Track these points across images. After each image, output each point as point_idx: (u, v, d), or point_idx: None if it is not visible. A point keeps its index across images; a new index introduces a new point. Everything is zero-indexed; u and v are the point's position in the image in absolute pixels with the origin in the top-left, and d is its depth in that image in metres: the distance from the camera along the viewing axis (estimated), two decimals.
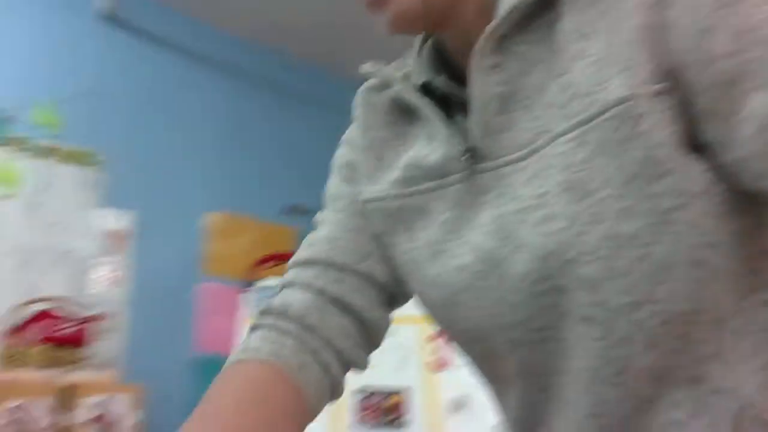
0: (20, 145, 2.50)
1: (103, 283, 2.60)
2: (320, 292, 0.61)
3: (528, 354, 0.53)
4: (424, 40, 0.64)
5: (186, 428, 0.49)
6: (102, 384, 2.22)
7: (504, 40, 0.52)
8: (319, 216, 0.69)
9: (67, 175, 2.59)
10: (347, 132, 0.71)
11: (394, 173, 0.61)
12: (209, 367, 2.50)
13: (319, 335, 0.60)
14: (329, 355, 0.60)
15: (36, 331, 2.20)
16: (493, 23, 0.51)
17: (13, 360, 2.07)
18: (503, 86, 0.53)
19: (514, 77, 0.53)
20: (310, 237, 0.66)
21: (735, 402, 0.45)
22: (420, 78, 0.61)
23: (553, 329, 0.51)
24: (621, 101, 0.46)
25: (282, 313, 0.60)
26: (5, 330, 2.14)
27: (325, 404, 0.60)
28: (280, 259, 2.39)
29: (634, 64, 0.46)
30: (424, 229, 0.59)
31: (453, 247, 0.56)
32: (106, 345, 2.53)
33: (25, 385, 2.01)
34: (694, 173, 0.45)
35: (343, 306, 0.62)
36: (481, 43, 0.52)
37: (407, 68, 0.63)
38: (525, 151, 0.52)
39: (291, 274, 0.64)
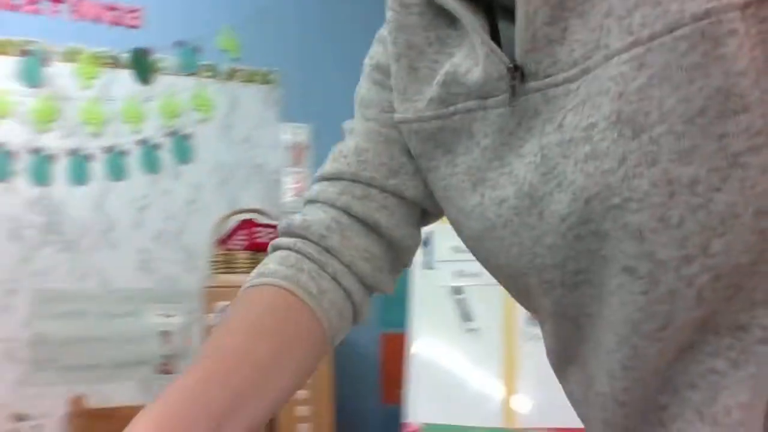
0: (209, 71, 2.76)
1: (290, 193, 2.83)
2: (344, 211, 0.57)
3: (562, 296, 0.49)
4: None
5: (195, 361, 0.48)
6: None
7: None
8: (348, 124, 0.62)
9: (250, 94, 2.80)
10: (382, 29, 0.61)
11: (432, 89, 0.53)
12: None
13: (340, 259, 0.56)
14: (350, 280, 0.56)
15: (240, 239, 2.49)
16: None
17: (223, 266, 2.39)
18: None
19: None
20: (338, 147, 0.59)
21: None
22: None
23: (592, 274, 0.46)
24: (700, 17, 0.38)
25: (302, 233, 0.56)
26: (215, 239, 2.47)
27: (346, 331, 0.57)
28: None
29: None
30: (467, 153, 0.53)
31: (495, 176, 0.51)
32: None
33: (234, 288, 2.32)
34: None
35: (368, 225, 0.57)
36: None
37: None
38: (577, 69, 0.44)
39: (315, 189, 0.58)
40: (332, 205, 0.57)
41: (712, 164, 0.39)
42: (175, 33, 2.70)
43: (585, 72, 0.44)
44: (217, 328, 0.51)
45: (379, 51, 0.61)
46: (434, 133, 0.54)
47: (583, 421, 0.54)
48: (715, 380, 0.43)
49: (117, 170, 2.60)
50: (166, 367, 2.56)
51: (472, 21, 0.49)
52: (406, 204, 0.59)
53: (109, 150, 2.59)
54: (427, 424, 1.83)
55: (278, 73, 2.82)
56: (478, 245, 0.54)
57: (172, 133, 2.68)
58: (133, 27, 2.68)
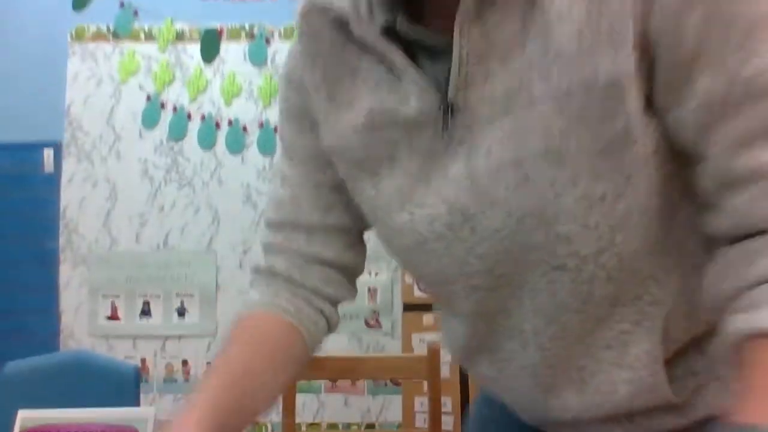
0: None
1: None
2: (295, 253, 0.66)
3: (485, 297, 0.60)
4: None
5: (210, 373, 0.61)
6: None
7: None
8: (280, 167, 0.69)
9: None
10: (289, 67, 0.67)
11: (356, 118, 0.60)
12: None
13: (306, 287, 0.66)
14: (319, 300, 0.67)
15: None
16: None
17: None
18: (485, 37, 0.52)
19: (494, 28, 0.52)
20: (276, 195, 0.68)
21: (665, 308, 0.57)
22: (380, 18, 0.56)
23: (516, 276, 0.58)
24: (611, 83, 0.49)
25: (270, 274, 0.67)
26: None
27: (323, 338, 0.69)
28: None
29: (622, 40, 0.49)
30: (391, 176, 0.60)
31: (422, 196, 0.58)
32: None
33: None
34: (650, 137, 0.51)
35: (318, 260, 0.66)
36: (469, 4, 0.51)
37: None
38: (499, 107, 0.53)
39: (268, 236, 0.68)
40: (285, 250, 0.66)
41: (616, 182, 0.52)
42: None
43: (508, 111, 0.53)
44: (222, 346, 0.64)
45: (291, 94, 0.66)
46: (360, 159, 0.61)
47: (501, 391, 0.68)
48: (625, 339, 0.58)
49: None
50: (373, 322, 2.72)
51: (403, 62, 0.55)
52: (345, 232, 0.67)
53: None
54: None
55: None
56: (408, 257, 0.63)
57: None
58: None
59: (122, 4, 2.82)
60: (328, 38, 0.61)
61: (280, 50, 2.81)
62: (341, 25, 0.59)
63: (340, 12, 0.59)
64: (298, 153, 0.67)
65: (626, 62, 0.49)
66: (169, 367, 2.75)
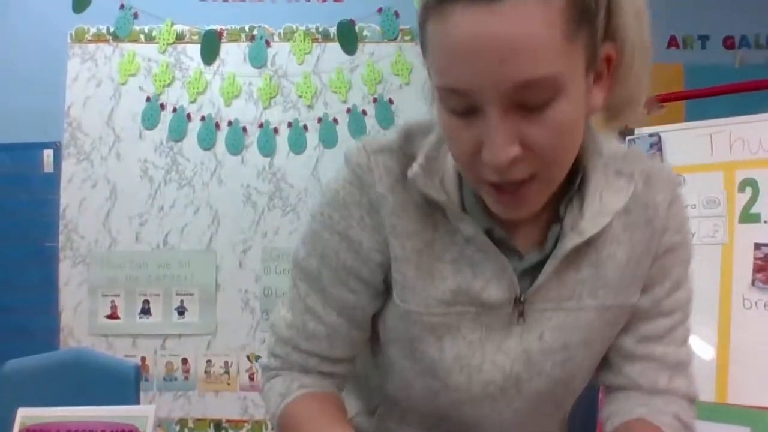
0: (406, 36, 2.81)
1: None
2: (321, 374, 0.80)
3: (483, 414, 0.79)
4: (460, 177, 0.70)
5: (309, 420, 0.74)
6: None
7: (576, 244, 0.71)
8: (310, 303, 0.77)
9: None
10: (344, 225, 0.72)
11: (441, 293, 0.72)
12: None
13: (331, 389, 0.82)
14: (338, 391, 0.84)
15: None
16: (577, 240, 0.70)
17: None
18: (561, 264, 0.71)
19: (565, 261, 0.71)
20: (308, 328, 0.77)
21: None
22: (479, 222, 0.70)
23: (524, 413, 0.80)
24: (632, 305, 0.77)
25: (302, 384, 0.79)
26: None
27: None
28: (654, 103, 2.08)
29: (641, 282, 0.77)
30: (454, 343, 0.73)
31: (478, 362, 0.74)
32: None
33: None
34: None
35: (340, 378, 0.82)
36: (570, 246, 0.69)
37: (449, 194, 0.69)
38: (553, 305, 0.73)
39: (299, 358, 0.79)
40: (311, 370, 0.79)
41: (601, 352, 0.80)
42: (376, 1, 2.80)
43: (558, 309, 0.73)
44: (302, 414, 0.75)
45: (344, 251, 0.73)
46: (434, 325, 0.73)
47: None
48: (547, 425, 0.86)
49: (329, 138, 2.80)
50: None
51: (503, 261, 0.70)
52: (354, 361, 0.84)
53: (322, 119, 2.80)
54: None
55: None
56: (451, 407, 0.79)
57: (376, 100, 2.80)
58: (337, 1, 2.84)
59: (122, 6, 2.84)
60: (415, 214, 0.71)
61: (280, 52, 2.83)
62: (433, 210, 0.70)
63: (439, 201, 0.69)
64: (336, 303, 0.76)
65: (636, 294, 0.77)
66: (168, 366, 2.77)
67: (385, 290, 0.75)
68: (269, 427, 2.67)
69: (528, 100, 0.57)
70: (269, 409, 0.79)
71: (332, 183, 0.73)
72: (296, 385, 0.76)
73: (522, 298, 0.71)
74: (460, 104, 0.59)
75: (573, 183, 0.70)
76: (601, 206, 0.69)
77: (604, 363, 0.81)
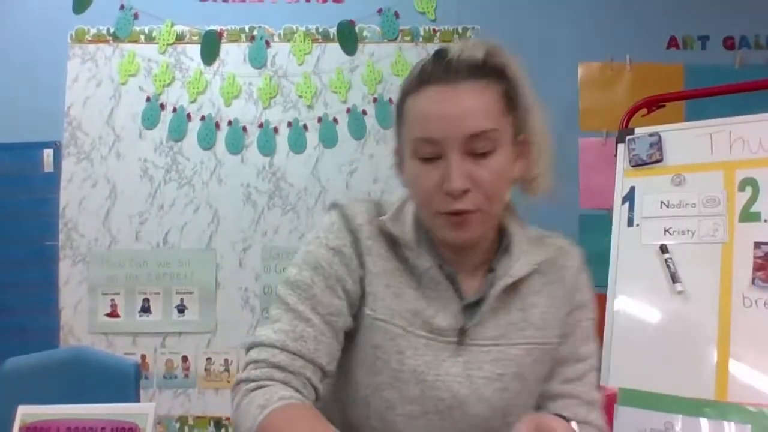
0: (406, 36, 2.81)
1: None
2: (305, 379, 0.87)
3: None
4: (415, 220, 0.92)
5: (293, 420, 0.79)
6: None
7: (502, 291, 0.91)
8: (301, 307, 0.89)
9: None
10: (338, 242, 0.91)
11: (401, 310, 0.90)
12: (590, 223, 2.45)
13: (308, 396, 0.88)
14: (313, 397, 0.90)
15: None
16: (505, 281, 0.91)
17: None
18: (495, 303, 0.91)
19: (499, 303, 0.92)
20: (297, 330, 0.88)
21: None
22: (431, 258, 0.91)
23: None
24: (553, 343, 0.95)
25: (282, 397, 0.84)
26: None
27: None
28: (652, 103, 2.09)
29: (559, 327, 0.95)
30: (411, 359, 0.89)
31: (432, 378, 0.89)
32: None
33: None
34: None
35: (313, 386, 0.89)
36: (501, 287, 0.90)
37: (408, 235, 0.91)
38: (490, 341, 0.91)
39: (284, 360, 0.86)
40: (298, 375, 0.86)
41: (533, 393, 0.96)
42: (376, 1, 2.80)
43: (496, 344, 0.91)
44: (288, 417, 0.80)
45: (337, 264, 0.90)
46: (396, 336, 0.89)
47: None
48: None
49: (329, 138, 2.80)
50: None
51: (451, 293, 0.91)
52: (325, 373, 0.90)
53: (322, 119, 2.81)
54: (624, 389, 1.70)
55: (477, 30, 2.78)
56: (404, 407, 0.91)
57: (376, 100, 2.80)
58: (337, 1, 2.84)
59: (122, 7, 2.84)
60: (385, 246, 0.91)
61: (280, 52, 2.83)
62: (397, 247, 0.91)
63: (402, 239, 0.90)
64: (324, 309, 0.89)
65: (557, 337, 0.95)
66: (168, 363, 2.77)
67: (357, 307, 0.91)
68: None
69: (477, 148, 0.83)
70: (245, 423, 0.81)
71: (324, 218, 0.94)
72: (276, 397, 0.81)
73: (466, 328, 0.90)
74: (429, 151, 0.84)
75: (501, 245, 0.94)
76: (525, 260, 0.91)
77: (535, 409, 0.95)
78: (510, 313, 0.91)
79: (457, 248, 0.91)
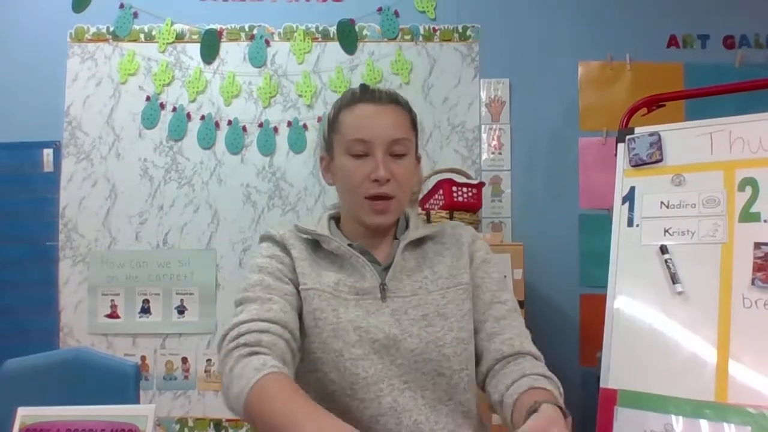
0: (406, 35, 2.81)
1: (488, 150, 2.78)
2: (286, 341, 1.06)
3: (397, 394, 1.10)
4: (331, 220, 1.24)
5: (279, 391, 0.92)
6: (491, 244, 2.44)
7: (407, 246, 1.19)
8: (269, 282, 1.12)
9: (447, 53, 2.80)
10: (280, 238, 1.18)
11: (328, 282, 1.13)
12: (589, 223, 2.46)
13: (287, 361, 1.06)
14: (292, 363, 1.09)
15: (440, 197, 2.53)
16: (405, 240, 1.19)
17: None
18: (403, 263, 1.17)
19: (408, 261, 1.18)
20: (268, 305, 1.08)
21: (469, 404, 1.16)
22: (343, 239, 1.19)
23: (417, 380, 1.10)
24: (465, 283, 1.18)
25: (272, 351, 1.03)
26: (418, 199, 2.54)
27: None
28: (652, 103, 2.08)
29: (466, 269, 1.20)
30: (345, 312, 1.11)
31: (365, 325, 1.10)
32: (496, 207, 2.73)
33: None
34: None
35: (291, 347, 1.08)
36: (403, 245, 1.18)
37: (320, 231, 1.19)
38: (410, 293, 1.15)
39: (264, 326, 1.04)
40: (280, 336, 1.05)
41: (468, 333, 1.16)
42: (376, 0, 2.79)
43: (414, 295, 1.14)
44: (266, 390, 0.93)
45: (281, 253, 1.16)
46: (328, 298, 1.12)
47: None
48: (459, 419, 1.15)
49: None
50: None
51: (364, 261, 1.15)
52: (294, 335, 1.09)
53: (322, 119, 2.80)
54: (624, 390, 1.70)
55: (477, 28, 2.77)
56: (350, 351, 1.09)
57: None
58: (337, 0, 2.84)
59: (122, 5, 2.84)
60: (305, 244, 1.18)
61: (280, 51, 2.83)
62: (315, 243, 1.19)
63: (314, 233, 1.18)
64: (278, 292, 1.11)
65: (467, 278, 1.18)
66: (168, 365, 2.77)
67: (297, 291, 1.12)
68: None
69: (395, 150, 1.13)
70: (238, 384, 0.93)
71: (259, 246, 1.20)
72: (271, 363, 0.96)
73: (385, 283, 1.14)
74: (360, 150, 1.13)
75: (403, 225, 1.24)
76: (420, 230, 1.21)
77: (482, 355, 1.16)
78: (422, 272, 1.17)
79: (374, 229, 1.18)
